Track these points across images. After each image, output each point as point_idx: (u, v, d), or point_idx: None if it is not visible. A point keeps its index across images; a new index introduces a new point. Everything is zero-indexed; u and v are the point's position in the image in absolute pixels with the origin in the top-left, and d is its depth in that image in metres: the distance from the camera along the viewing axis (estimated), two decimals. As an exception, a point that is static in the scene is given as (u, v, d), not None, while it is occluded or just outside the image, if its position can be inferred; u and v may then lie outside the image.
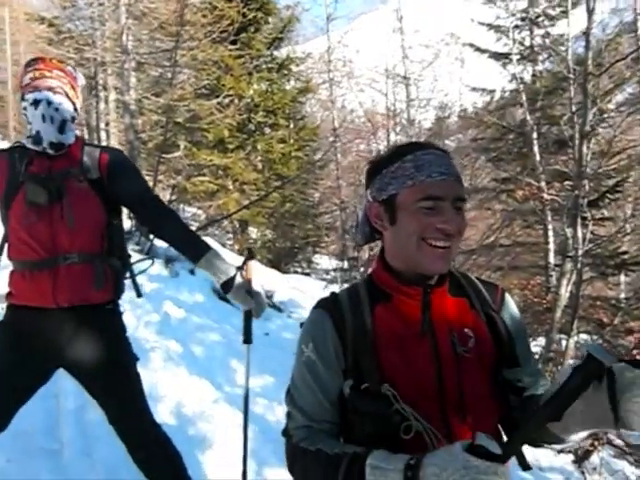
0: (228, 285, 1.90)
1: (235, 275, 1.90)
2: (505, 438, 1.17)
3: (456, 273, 1.24)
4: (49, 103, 1.87)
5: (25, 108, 1.90)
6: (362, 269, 9.97)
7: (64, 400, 3.20)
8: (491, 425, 1.15)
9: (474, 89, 14.18)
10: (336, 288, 8.85)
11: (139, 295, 2.13)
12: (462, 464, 0.86)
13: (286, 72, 13.48)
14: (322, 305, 1.18)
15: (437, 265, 1.09)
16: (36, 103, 1.86)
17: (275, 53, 13.35)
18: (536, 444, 1.12)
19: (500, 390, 1.14)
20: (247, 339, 1.98)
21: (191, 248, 1.97)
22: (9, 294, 1.93)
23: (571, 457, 3.75)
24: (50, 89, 1.88)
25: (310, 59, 15.10)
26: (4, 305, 1.96)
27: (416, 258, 1.09)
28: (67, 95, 1.93)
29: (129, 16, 9.32)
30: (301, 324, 1.22)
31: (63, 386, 3.06)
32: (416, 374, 1.09)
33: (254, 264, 1.99)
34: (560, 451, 3.64)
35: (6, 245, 1.95)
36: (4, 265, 1.97)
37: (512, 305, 1.24)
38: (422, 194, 1.08)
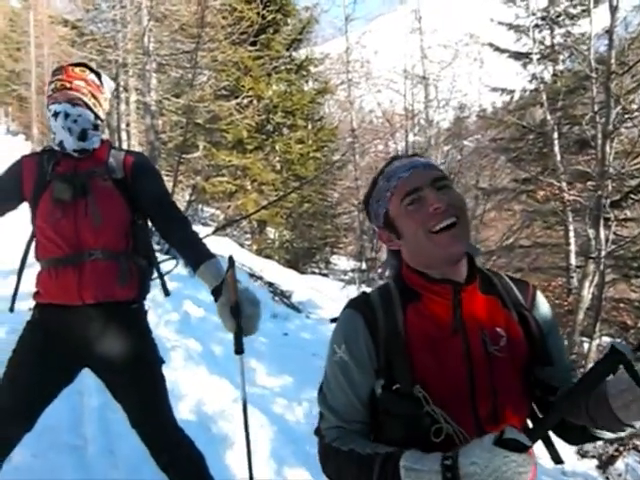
0: (215, 295, 1.88)
1: (220, 285, 1.86)
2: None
3: (486, 271, 1.24)
4: (67, 115, 1.92)
5: (49, 118, 1.97)
6: (379, 270, 9.94)
7: (88, 397, 3.25)
8: (524, 424, 1.16)
9: (493, 89, 14.06)
10: (354, 289, 8.86)
11: (167, 294, 2.14)
12: (502, 460, 0.88)
13: (305, 73, 13.53)
14: (354, 305, 1.18)
15: (453, 247, 1.08)
16: (56, 115, 1.93)
17: (294, 54, 13.40)
18: (590, 436, 1.11)
19: (533, 389, 1.14)
20: (238, 350, 1.90)
21: (194, 256, 1.97)
22: (36, 293, 1.96)
23: (595, 462, 3.68)
24: (69, 101, 1.92)
25: (328, 60, 15.12)
26: (32, 305, 1.99)
27: (431, 252, 1.10)
28: (87, 105, 1.96)
29: (150, 18, 9.44)
30: (331, 320, 1.22)
31: (87, 384, 3.10)
32: (448, 374, 1.09)
33: (234, 274, 1.87)
34: (584, 456, 3.58)
35: (33, 245, 1.99)
36: (30, 264, 2.01)
37: (543, 303, 1.24)
38: (401, 195, 1.13)
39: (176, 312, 5.15)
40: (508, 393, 1.11)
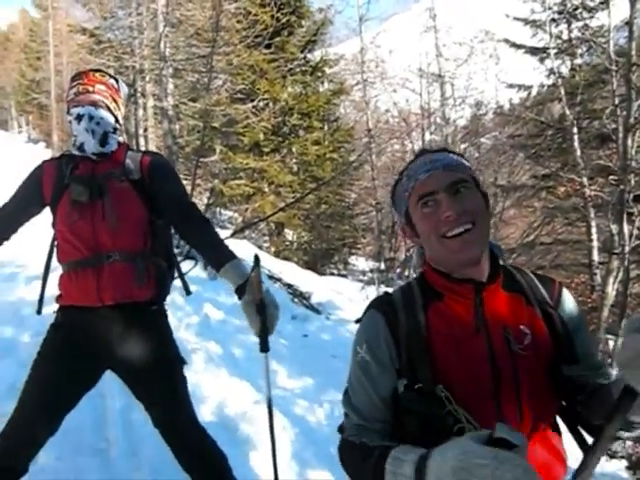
0: (239, 294, 1.87)
1: (244, 284, 1.86)
2: (568, 433, 1.19)
3: (510, 268, 1.23)
4: (91, 118, 1.95)
5: (70, 121, 1.99)
6: (398, 270, 9.89)
7: (111, 400, 3.27)
8: (549, 423, 1.14)
9: (510, 86, 13.91)
10: (373, 289, 8.82)
11: (188, 293, 2.15)
12: (462, 449, 0.86)
13: (320, 74, 13.52)
14: (375, 305, 1.20)
15: (464, 252, 1.08)
16: (79, 118, 1.95)
17: (309, 56, 13.41)
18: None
19: (559, 387, 1.12)
20: (263, 347, 1.90)
21: (217, 255, 1.96)
22: (59, 296, 1.99)
23: (625, 463, 3.59)
24: (92, 104, 1.96)
25: (343, 61, 15.11)
26: (55, 308, 2.01)
27: (445, 256, 1.10)
28: (108, 108, 2.00)
29: (166, 24, 9.52)
30: (356, 321, 1.22)
31: (109, 386, 3.13)
32: (471, 373, 1.09)
33: (258, 273, 1.87)
34: (612, 456, 3.50)
35: (55, 249, 2.01)
36: (54, 267, 2.03)
37: (569, 300, 1.22)
38: (416, 197, 1.13)
39: (196, 315, 5.17)
40: (533, 392, 1.10)
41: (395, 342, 1.13)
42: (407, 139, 16.03)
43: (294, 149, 12.39)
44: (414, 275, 1.28)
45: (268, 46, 11.50)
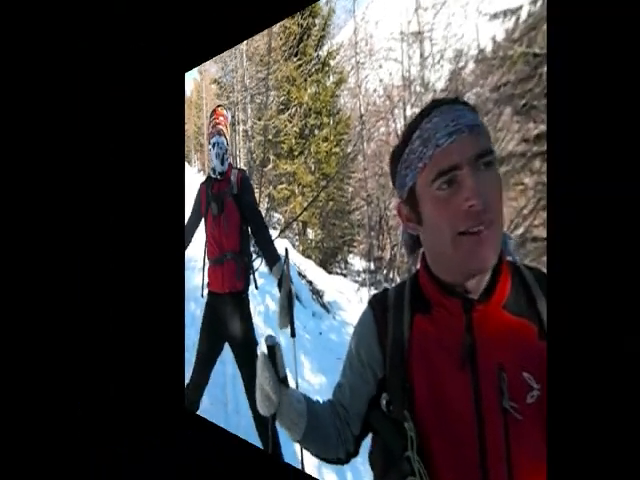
0: (279, 287, 2.17)
1: (281, 276, 2.18)
2: None
3: (531, 274, 0.85)
4: (219, 144, 2.39)
5: (209, 149, 2.44)
6: (385, 271, 8.61)
7: (227, 365, 3.36)
8: None
9: (494, 16, 11.08)
10: (365, 291, 8.00)
11: (257, 287, 2.51)
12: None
13: (327, 69, 13.54)
14: (372, 304, 0.96)
15: (478, 257, 0.76)
16: (214, 145, 2.40)
17: (320, 53, 13.34)
18: None
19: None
20: (293, 333, 2.07)
21: (269, 257, 2.34)
22: (208, 283, 2.48)
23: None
24: (219, 133, 2.42)
25: (342, 49, 14.60)
26: (206, 292, 2.47)
27: (458, 260, 0.78)
28: (224, 134, 2.44)
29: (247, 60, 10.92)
30: None
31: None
32: (453, 417, 0.81)
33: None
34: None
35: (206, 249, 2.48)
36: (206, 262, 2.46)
37: None
38: (433, 173, 0.79)
39: (263, 305, 4.98)
40: (531, 463, 0.77)
41: (382, 350, 0.91)
42: (391, 118, 15.84)
43: (312, 149, 13.04)
44: (398, 278, 1.26)
45: (296, 54, 12.30)
